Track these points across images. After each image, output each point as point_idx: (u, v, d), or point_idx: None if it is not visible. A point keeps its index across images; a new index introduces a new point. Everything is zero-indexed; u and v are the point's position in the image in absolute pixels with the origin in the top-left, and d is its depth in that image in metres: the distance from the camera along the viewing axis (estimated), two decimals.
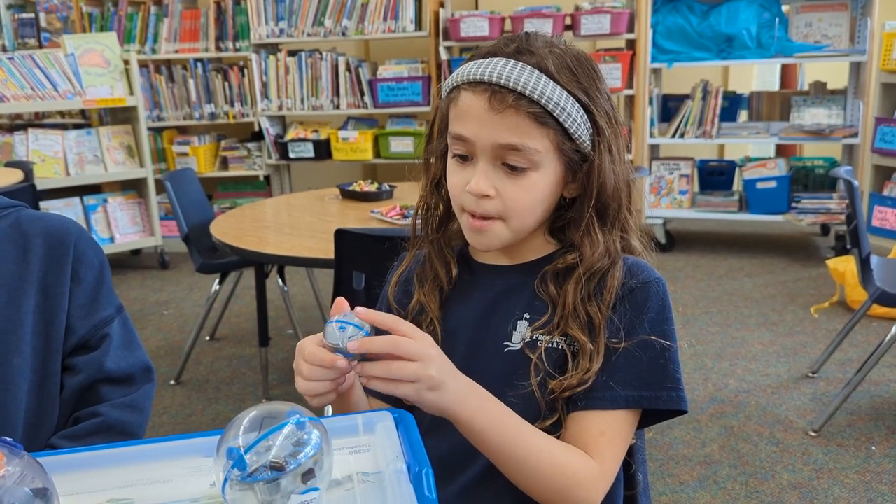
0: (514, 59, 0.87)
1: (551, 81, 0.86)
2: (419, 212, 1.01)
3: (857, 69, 4.09)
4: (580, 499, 0.86)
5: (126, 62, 4.28)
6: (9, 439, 0.64)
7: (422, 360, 0.76)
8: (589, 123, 0.89)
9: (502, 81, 0.85)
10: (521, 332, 0.93)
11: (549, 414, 0.89)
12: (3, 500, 0.58)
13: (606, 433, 0.87)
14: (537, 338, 0.91)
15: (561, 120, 0.86)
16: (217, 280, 2.96)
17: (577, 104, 0.87)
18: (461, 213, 0.93)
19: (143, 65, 4.64)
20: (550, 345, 0.90)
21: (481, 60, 0.89)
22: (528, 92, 0.85)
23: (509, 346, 0.93)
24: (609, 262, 0.91)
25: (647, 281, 0.91)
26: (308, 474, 0.64)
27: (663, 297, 0.91)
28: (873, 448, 2.23)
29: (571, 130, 0.87)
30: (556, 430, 0.89)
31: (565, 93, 0.86)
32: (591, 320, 0.89)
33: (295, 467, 0.64)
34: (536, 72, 0.86)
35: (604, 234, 0.91)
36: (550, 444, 0.86)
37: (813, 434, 2.31)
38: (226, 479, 0.64)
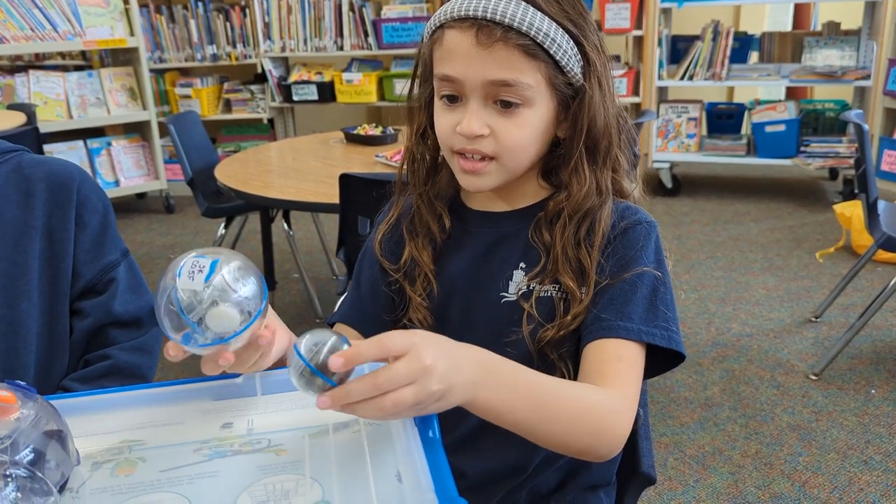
0: None
1: (539, 13, 0.83)
2: (404, 164, 0.99)
3: (871, 9, 3.99)
4: (616, 433, 0.80)
5: (125, 2, 4.20)
6: (22, 383, 0.65)
7: (417, 381, 0.63)
8: (580, 56, 0.86)
9: (488, 15, 0.82)
10: (517, 282, 0.91)
11: (541, 363, 0.88)
12: (18, 443, 0.59)
13: (624, 358, 0.84)
14: (533, 287, 0.90)
15: (552, 52, 0.83)
16: (223, 224, 2.96)
17: (567, 35, 0.84)
18: (451, 155, 0.90)
19: (142, 4, 4.55)
20: (542, 293, 0.89)
21: None
22: (516, 24, 0.81)
23: (506, 296, 0.91)
24: (600, 201, 0.89)
25: (640, 221, 0.90)
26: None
27: (656, 239, 0.90)
28: (873, 391, 2.25)
29: (563, 63, 0.84)
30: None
31: (554, 24, 0.83)
32: (581, 266, 0.88)
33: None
34: (523, 3, 0.82)
35: (593, 173, 0.89)
36: (576, 390, 0.81)
37: (814, 377, 2.34)
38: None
